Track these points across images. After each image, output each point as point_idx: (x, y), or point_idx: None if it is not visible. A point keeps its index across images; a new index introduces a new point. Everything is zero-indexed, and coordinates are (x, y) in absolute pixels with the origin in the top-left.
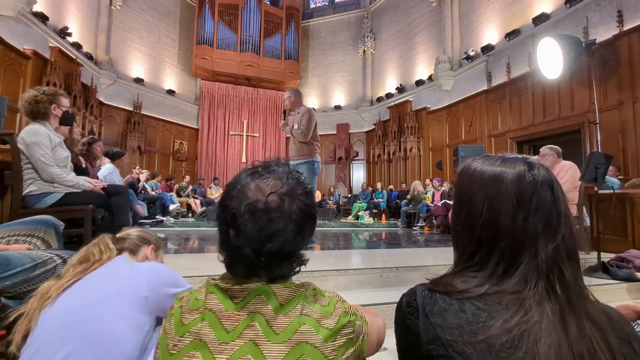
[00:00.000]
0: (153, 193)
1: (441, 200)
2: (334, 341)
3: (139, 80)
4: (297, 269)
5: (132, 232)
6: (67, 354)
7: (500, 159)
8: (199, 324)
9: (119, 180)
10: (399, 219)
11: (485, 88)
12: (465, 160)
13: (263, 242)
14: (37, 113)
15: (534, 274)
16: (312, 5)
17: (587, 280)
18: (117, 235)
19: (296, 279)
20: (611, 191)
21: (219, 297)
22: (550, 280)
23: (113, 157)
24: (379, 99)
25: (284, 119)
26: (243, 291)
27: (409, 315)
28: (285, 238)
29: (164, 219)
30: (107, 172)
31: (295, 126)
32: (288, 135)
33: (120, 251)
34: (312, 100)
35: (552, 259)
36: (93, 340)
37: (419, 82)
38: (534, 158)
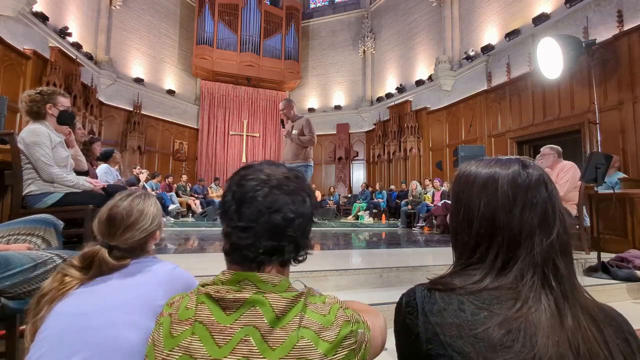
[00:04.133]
0: (153, 193)
1: (441, 200)
2: (335, 354)
3: (139, 80)
4: (302, 256)
5: (125, 213)
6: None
7: (495, 160)
8: (189, 337)
9: (113, 179)
10: (399, 219)
11: (485, 88)
12: (464, 160)
13: (287, 212)
14: (31, 112)
15: (530, 268)
16: (312, 5)
17: (588, 281)
18: (114, 243)
19: (296, 279)
20: (611, 191)
21: (210, 308)
22: (545, 273)
23: (104, 157)
24: (379, 99)
25: (283, 127)
26: (236, 301)
27: (408, 315)
28: (299, 213)
29: (164, 219)
30: (101, 173)
31: (296, 132)
32: (291, 142)
33: (128, 253)
34: (312, 100)
35: (547, 252)
36: (107, 348)
37: (419, 82)
38: (527, 159)
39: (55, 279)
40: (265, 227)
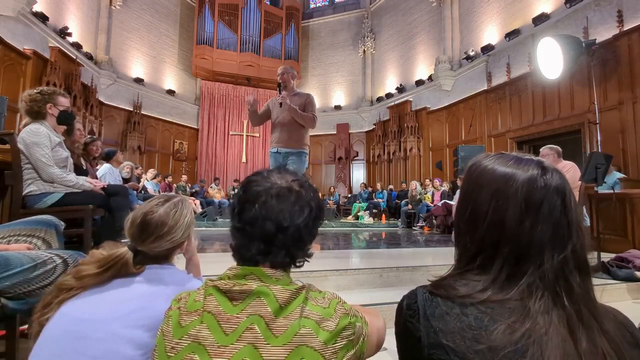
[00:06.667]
0: (153, 193)
1: (441, 200)
2: (334, 343)
3: (139, 80)
4: (300, 262)
5: (160, 221)
6: None
7: (514, 159)
8: (198, 326)
9: (114, 180)
10: (399, 219)
11: (485, 88)
12: (464, 160)
13: (281, 221)
14: (32, 112)
15: (539, 284)
16: (312, 5)
17: None
18: (141, 248)
19: (296, 279)
20: (611, 191)
21: (218, 299)
22: (556, 291)
23: (107, 157)
24: (379, 99)
25: (279, 93)
26: (243, 293)
27: (409, 319)
28: (293, 224)
29: None
30: (102, 173)
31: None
32: (282, 115)
33: (152, 260)
34: None
35: (558, 270)
36: None
37: (419, 82)
38: (549, 163)
39: (71, 277)
40: (258, 232)
